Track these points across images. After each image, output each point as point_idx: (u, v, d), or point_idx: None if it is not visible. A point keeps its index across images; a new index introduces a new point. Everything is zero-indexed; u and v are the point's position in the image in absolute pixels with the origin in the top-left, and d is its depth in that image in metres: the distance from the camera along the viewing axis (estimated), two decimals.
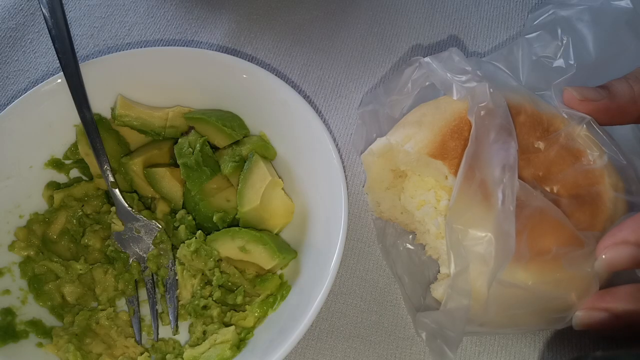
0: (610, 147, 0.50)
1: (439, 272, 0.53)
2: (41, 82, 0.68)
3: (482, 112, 0.48)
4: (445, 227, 0.46)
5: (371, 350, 0.53)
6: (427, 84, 0.54)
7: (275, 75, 0.56)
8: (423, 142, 0.49)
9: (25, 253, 0.54)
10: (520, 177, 0.50)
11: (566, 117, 0.51)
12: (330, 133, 0.55)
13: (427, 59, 0.53)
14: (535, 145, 0.51)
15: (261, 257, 0.52)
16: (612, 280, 0.47)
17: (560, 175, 0.50)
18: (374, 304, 0.55)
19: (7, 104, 0.67)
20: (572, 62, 0.56)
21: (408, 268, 0.55)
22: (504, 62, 0.58)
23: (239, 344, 0.49)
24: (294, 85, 0.67)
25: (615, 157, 0.50)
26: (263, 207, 0.54)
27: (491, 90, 0.48)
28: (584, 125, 0.50)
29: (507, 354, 0.52)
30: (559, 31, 0.57)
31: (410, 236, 0.56)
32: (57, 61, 0.69)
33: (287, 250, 0.53)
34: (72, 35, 0.71)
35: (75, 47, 0.71)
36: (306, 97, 0.65)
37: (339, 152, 0.53)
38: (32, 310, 0.52)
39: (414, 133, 0.50)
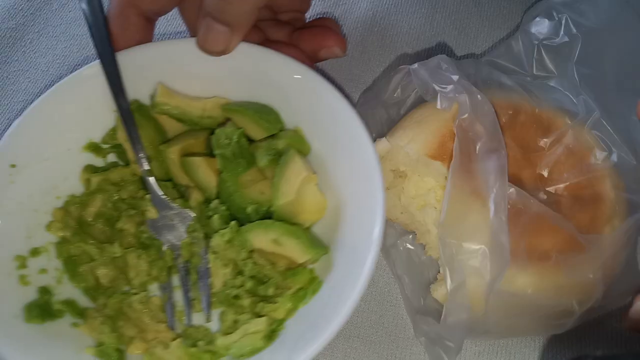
0: (620, 146, 0.50)
1: (439, 272, 0.53)
2: (41, 81, 0.70)
3: (464, 124, 0.48)
4: (438, 242, 0.47)
5: (371, 350, 0.53)
6: (415, 90, 0.55)
7: None
8: (422, 142, 0.50)
9: (62, 234, 0.54)
10: (521, 178, 0.50)
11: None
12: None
13: (414, 67, 0.53)
14: (537, 145, 0.52)
15: (294, 250, 0.53)
16: None
17: (562, 176, 0.50)
18: (374, 304, 0.55)
19: (7, 103, 0.69)
20: (575, 32, 0.55)
21: (408, 268, 0.55)
22: (504, 58, 0.59)
23: (271, 335, 0.50)
24: None
25: (626, 156, 0.50)
26: (297, 201, 0.55)
27: (479, 97, 0.48)
28: (589, 124, 0.50)
29: (507, 354, 0.53)
30: (554, 13, 0.57)
31: (410, 236, 0.56)
32: (57, 61, 0.70)
33: (320, 246, 0.54)
34: (72, 35, 0.72)
35: (75, 47, 0.72)
36: None
37: None
38: (67, 290, 0.53)
39: (413, 134, 0.51)
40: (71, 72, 0.67)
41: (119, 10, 0.53)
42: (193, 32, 0.58)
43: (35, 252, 0.53)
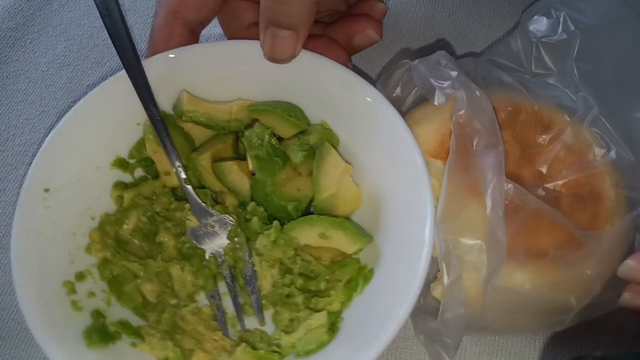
0: (619, 143, 0.50)
1: (438, 271, 0.52)
2: (41, 81, 0.69)
3: (461, 120, 0.48)
4: (435, 238, 0.47)
5: None
6: (415, 89, 0.55)
7: None
8: (422, 141, 0.50)
9: (102, 255, 0.53)
10: (519, 175, 0.51)
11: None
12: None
13: (415, 63, 0.53)
14: (536, 142, 0.52)
15: (342, 242, 0.53)
16: None
17: (561, 173, 0.51)
18: None
19: (7, 103, 0.68)
20: (573, 29, 0.56)
21: None
22: (503, 56, 0.59)
23: (332, 328, 0.50)
24: None
25: (625, 153, 0.50)
26: (335, 194, 0.55)
27: (477, 93, 0.49)
28: (588, 121, 0.51)
29: (507, 354, 0.53)
30: (553, 11, 0.58)
31: None
32: (57, 61, 0.69)
33: (365, 235, 0.54)
34: (72, 35, 0.71)
35: (75, 47, 0.71)
36: None
37: None
38: (118, 311, 0.52)
39: (413, 133, 0.52)
40: (71, 72, 0.69)
41: (163, 22, 0.53)
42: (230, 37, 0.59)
43: (80, 276, 0.51)
